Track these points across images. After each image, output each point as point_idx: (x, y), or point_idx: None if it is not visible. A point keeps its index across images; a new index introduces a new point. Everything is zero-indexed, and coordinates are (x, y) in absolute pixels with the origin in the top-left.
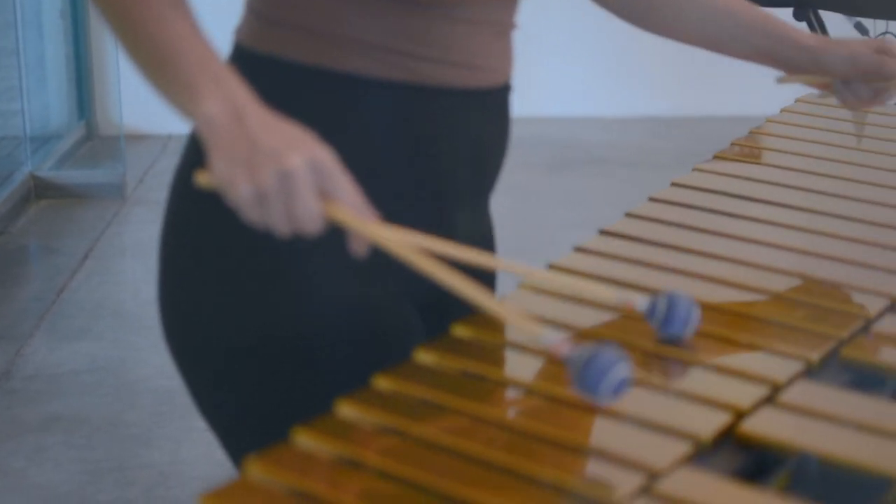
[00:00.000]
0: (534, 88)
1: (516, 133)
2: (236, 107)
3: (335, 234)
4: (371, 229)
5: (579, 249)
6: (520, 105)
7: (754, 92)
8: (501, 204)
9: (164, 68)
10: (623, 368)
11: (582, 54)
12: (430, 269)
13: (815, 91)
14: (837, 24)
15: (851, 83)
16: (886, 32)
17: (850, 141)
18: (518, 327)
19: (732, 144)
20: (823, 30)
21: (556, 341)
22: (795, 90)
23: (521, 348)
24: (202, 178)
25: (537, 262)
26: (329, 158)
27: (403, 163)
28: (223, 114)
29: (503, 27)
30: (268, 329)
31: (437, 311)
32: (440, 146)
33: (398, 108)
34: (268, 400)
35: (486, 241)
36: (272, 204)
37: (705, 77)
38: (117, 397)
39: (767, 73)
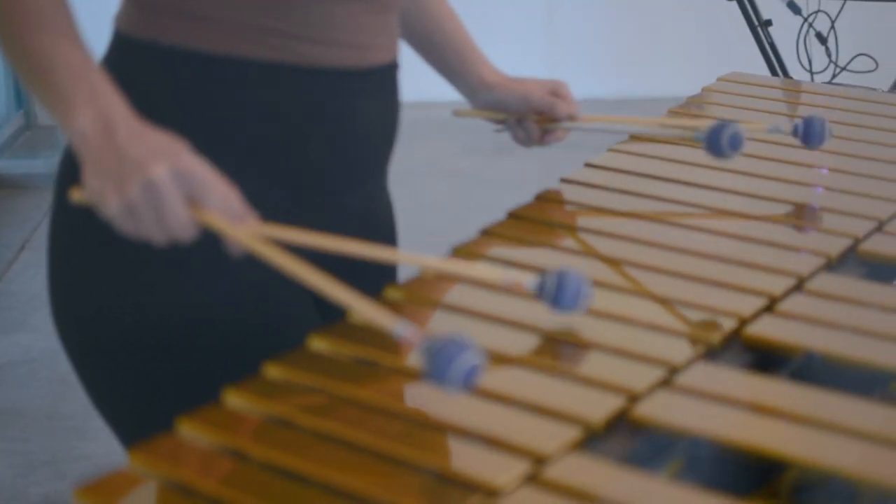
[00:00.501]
0: None
1: (459, 119)
2: (107, 121)
3: None
4: (242, 235)
5: (486, 233)
6: None
7: (699, 73)
8: (444, 189)
9: (41, 80)
10: (471, 356)
11: (526, 37)
12: (302, 273)
13: (741, 71)
14: (770, 1)
15: (524, 122)
16: (819, 11)
17: (769, 119)
18: (370, 321)
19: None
20: (755, 8)
21: (408, 333)
22: (730, 67)
23: None
24: (75, 195)
25: None
26: (196, 164)
27: (286, 147)
28: (94, 128)
29: (384, 4)
30: (156, 319)
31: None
32: (324, 129)
33: (279, 91)
34: (157, 390)
35: (383, 224)
36: (142, 215)
37: (650, 59)
38: (52, 389)
39: (713, 55)
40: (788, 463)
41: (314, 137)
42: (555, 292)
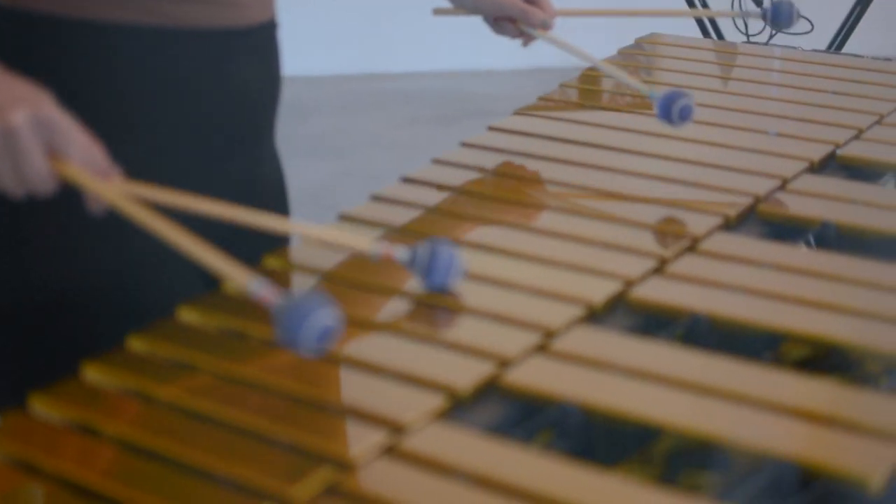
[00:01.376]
0: (419, 43)
1: (402, 88)
2: None
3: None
4: (105, 189)
5: (376, 198)
6: (406, 60)
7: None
8: (387, 159)
9: None
10: (324, 315)
11: None
12: (164, 231)
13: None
14: None
15: (499, 22)
16: None
17: (691, 80)
18: (225, 277)
19: (561, 86)
20: None
21: (263, 291)
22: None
23: None
24: None
25: None
26: (58, 114)
27: (164, 111)
28: None
29: None
30: (17, 291)
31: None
32: (201, 91)
33: (149, 54)
34: (18, 364)
35: (271, 190)
36: None
37: (591, 27)
38: None
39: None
40: (661, 429)
41: (191, 100)
42: (426, 265)
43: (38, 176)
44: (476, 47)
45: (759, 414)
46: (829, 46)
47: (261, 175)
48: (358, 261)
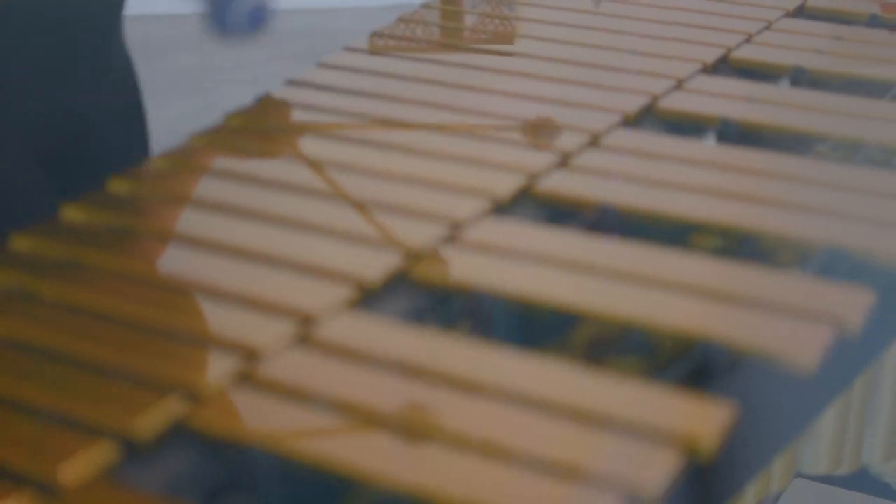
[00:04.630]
0: None
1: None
2: None
3: None
4: None
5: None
6: None
7: None
8: (250, 95)
9: None
10: None
11: None
12: None
13: None
14: None
15: None
16: None
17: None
18: None
19: (399, 20)
20: None
21: None
22: None
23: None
24: None
25: None
26: None
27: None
28: None
29: None
30: None
31: (66, 163)
32: None
33: None
34: None
35: (125, 80)
36: None
37: None
38: None
39: None
40: (582, 315)
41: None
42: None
43: None
44: None
45: (676, 297)
46: None
47: (114, 71)
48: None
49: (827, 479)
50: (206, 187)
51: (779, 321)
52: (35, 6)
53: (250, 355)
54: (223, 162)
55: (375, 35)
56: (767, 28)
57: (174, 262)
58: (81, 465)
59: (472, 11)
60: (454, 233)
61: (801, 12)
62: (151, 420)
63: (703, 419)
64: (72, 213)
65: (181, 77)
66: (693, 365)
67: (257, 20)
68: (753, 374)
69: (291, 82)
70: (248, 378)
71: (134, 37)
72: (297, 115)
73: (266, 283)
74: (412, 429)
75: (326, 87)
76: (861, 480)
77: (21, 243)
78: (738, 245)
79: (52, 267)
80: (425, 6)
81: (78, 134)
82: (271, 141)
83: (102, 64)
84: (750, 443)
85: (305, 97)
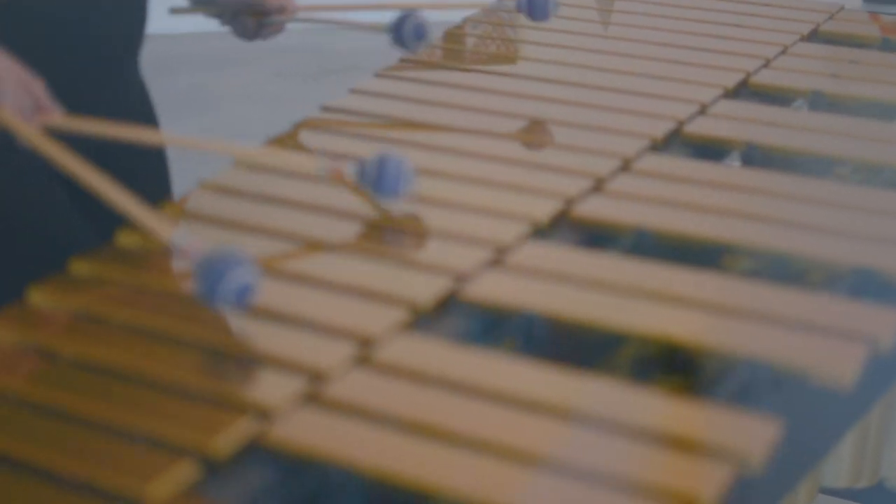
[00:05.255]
0: None
1: (271, 45)
2: None
3: None
4: (31, 132)
5: (302, 125)
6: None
7: None
8: (257, 113)
9: None
10: (242, 273)
11: None
12: (92, 180)
13: None
14: None
15: (239, 16)
16: None
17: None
18: (155, 231)
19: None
20: None
21: (187, 244)
22: None
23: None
24: None
25: None
26: None
27: (28, 38)
28: None
29: None
30: None
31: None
32: (66, 19)
33: None
34: None
35: (139, 109)
36: None
37: None
38: None
39: None
40: (625, 336)
41: (59, 30)
42: (376, 176)
43: None
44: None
45: (714, 317)
46: None
47: (130, 101)
48: (290, 183)
49: (835, 492)
50: (257, 213)
51: (815, 340)
52: (56, 36)
53: (316, 377)
54: (271, 187)
55: (405, 60)
56: (784, 52)
57: None
58: (166, 482)
59: (497, 37)
60: (498, 256)
61: (815, 36)
62: (228, 439)
63: (751, 434)
64: (126, 240)
65: (187, 96)
66: (734, 384)
67: (243, 297)
68: (791, 392)
69: (327, 108)
70: (314, 398)
71: None
72: (336, 141)
73: (326, 307)
74: (472, 443)
75: (361, 113)
76: (879, 494)
77: (81, 268)
78: (769, 266)
79: (119, 291)
80: (449, 32)
81: (98, 159)
82: (315, 167)
83: (121, 90)
84: (788, 458)
85: (341, 122)
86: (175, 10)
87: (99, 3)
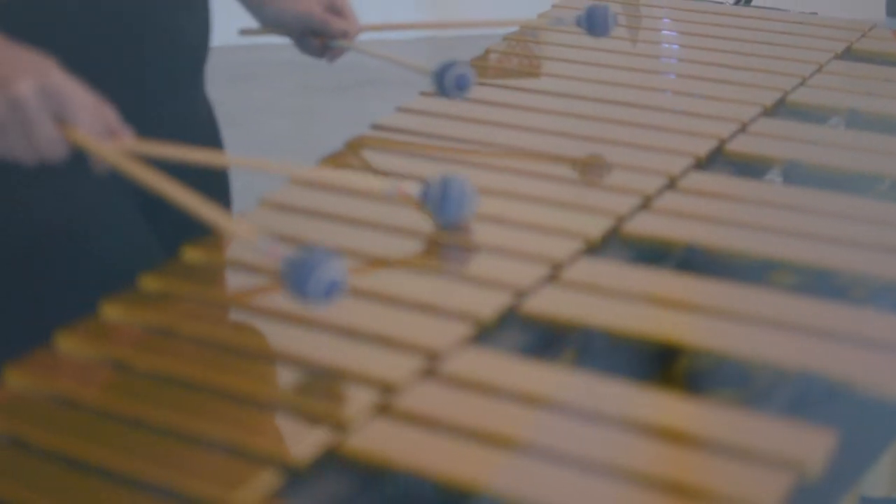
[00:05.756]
0: None
1: (295, 59)
2: None
3: None
4: (110, 152)
5: (353, 143)
6: None
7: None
8: (284, 127)
9: None
10: (332, 269)
11: None
12: (169, 191)
13: None
14: None
15: (305, 38)
16: None
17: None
18: (236, 237)
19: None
20: None
21: (271, 248)
22: None
23: None
24: None
25: None
26: (65, 82)
27: (95, 57)
28: None
29: None
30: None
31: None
32: (133, 36)
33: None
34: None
35: (203, 129)
36: (9, 134)
37: None
38: None
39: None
40: (680, 349)
41: (126, 46)
42: (440, 198)
43: (49, 144)
44: (365, 17)
45: (765, 331)
46: (737, 1)
47: (196, 119)
48: (350, 201)
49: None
50: (317, 230)
51: (860, 352)
52: (118, 55)
53: (387, 389)
54: (328, 204)
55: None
56: (819, 71)
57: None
58: (251, 490)
59: (542, 56)
60: (554, 272)
61: (848, 54)
62: (307, 449)
63: (809, 443)
64: (191, 255)
65: (215, 110)
66: (787, 396)
67: (333, 292)
68: (839, 404)
69: (377, 126)
70: (385, 409)
71: None
72: (388, 160)
73: (393, 322)
74: (533, 450)
75: (409, 131)
76: None
77: (150, 283)
78: (814, 282)
79: (188, 305)
80: (495, 48)
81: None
82: (373, 185)
83: (186, 107)
84: (839, 466)
85: (391, 139)
86: (244, 32)
87: (161, 16)
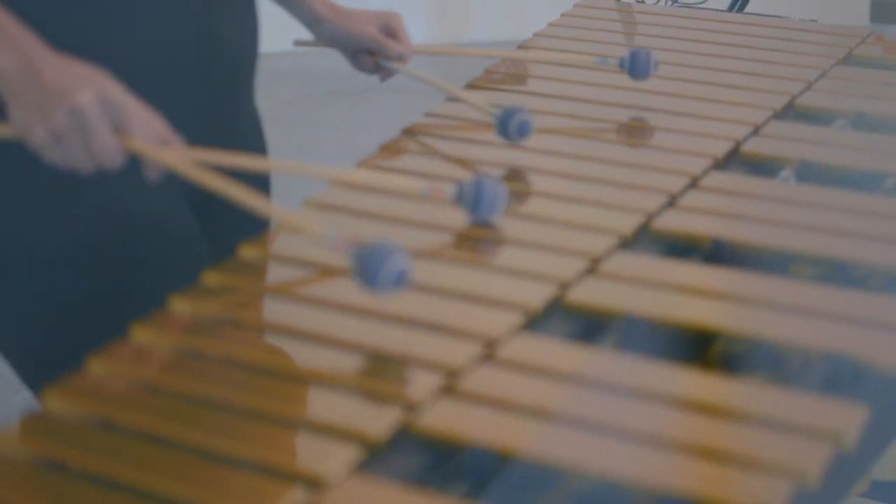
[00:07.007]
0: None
1: (287, 68)
2: (28, 57)
3: None
4: (166, 158)
5: (387, 147)
6: (289, 39)
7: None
8: (279, 134)
9: None
10: (400, 260)
11: None
12: (227, 189)
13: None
14: None
15: (357, 56)
16: None
17: (649, 42)
18: (303, 231)
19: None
20: None
21: (339, 241)
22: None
23: None
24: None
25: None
26: (120, 93)
27: (143, 67)
28: (15, 66)
29: None
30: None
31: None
32: (181, 45)
33: (143, 6)
34: (55, 326)
35: (251, 140)
36: (69, 143)
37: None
38: None
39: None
40: (714, 334)
41: (174, 55)
42: (474, 197)
43: (107, 152)
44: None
45: (792, 317)
46: (730, 8)
47: (241, 128)
48: (386, 201)
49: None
50: (362, 228)
51: (880, 336)
52: (167, 64)
53: (450, 373)
54: (369, 204)
55: (468, 85)
56: (823, 76)
57: (351, 288)
58: (336, 462)
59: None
60: (593, 266)
61: (850, 60)
62: (383, 426)
63: (844, 417)
64: (250, 252)
65: None
66: (817, 378)
67: (401, 282)
68: (863, 384)
69: (407, 131)
70: (450, 391)
71: None
72: (420, 161)
73: (451, 313)
74: (584, 424)
75: (437, 135)
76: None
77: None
78: (833, 273)
79: (257, 299)
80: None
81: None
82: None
83: (235, 118)
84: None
85: (422, 144)
86: (298, 43)
87: (211, 26)
